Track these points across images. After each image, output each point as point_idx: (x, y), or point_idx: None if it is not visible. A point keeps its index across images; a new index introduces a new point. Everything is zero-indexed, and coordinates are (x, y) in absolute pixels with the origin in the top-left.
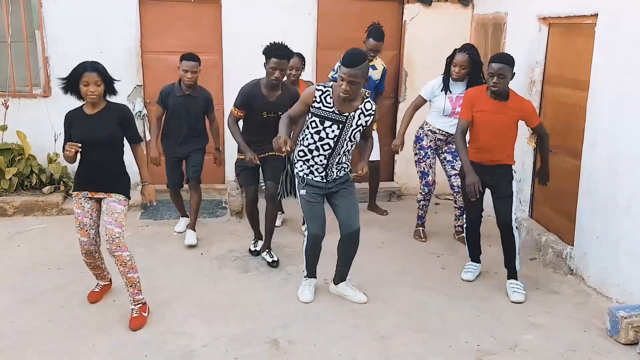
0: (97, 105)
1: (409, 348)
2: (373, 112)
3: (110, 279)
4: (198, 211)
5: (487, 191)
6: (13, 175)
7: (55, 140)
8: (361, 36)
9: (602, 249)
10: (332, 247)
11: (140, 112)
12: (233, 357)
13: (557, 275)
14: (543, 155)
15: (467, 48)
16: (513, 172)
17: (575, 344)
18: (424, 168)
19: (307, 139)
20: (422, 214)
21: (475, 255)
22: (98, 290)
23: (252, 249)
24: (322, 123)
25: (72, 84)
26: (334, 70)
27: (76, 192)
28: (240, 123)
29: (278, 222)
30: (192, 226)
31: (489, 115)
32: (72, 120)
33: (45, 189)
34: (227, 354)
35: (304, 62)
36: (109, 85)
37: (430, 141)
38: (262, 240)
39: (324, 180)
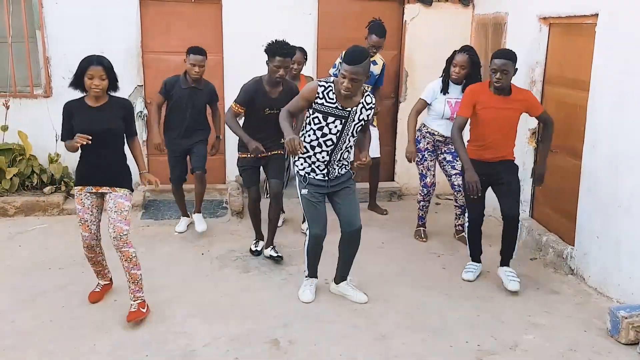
0: (100, 99)
1: (409, 348)
2: (373, 106)
3: (111, 279)
4: (203, 196)
5: (488, 191)
6: (14, 175)
7: (56, 140)
8: (361, 36)
9: (603, 249)
10: (333, 247)
11: (140, 112)
12: (233, 357)
13: (557, 275)
14: (544, 146)
15: (467, 49)
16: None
17: (576, 344)
18: (422, 170)
19: (309, 136)
20: (422, 214)
21: (476, 254)
22: (99, 290)
23: (254, 249)
24: (325, 119)
25: (79, 77)
26: (334, 67)
27: (79, 188)
28: (240, 122)
29: (279, 222)
30: (198, 210)
31: (494, 111)
32: (73, 111)
33: (46, 189)
34: (228, 354)
35: (306, 56)
36: (112, 80)
37: (428, 143)
38: (263, 240)
39: (326, 179)
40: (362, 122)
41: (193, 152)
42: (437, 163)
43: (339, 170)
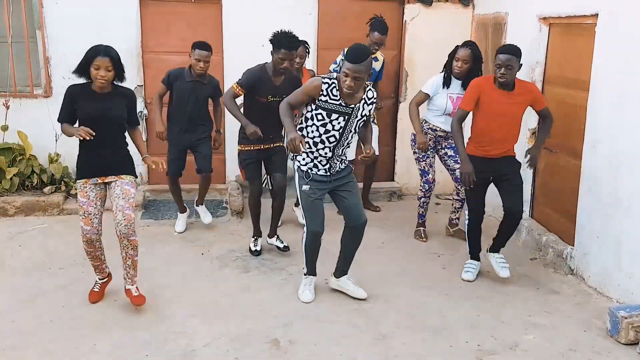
0: (104, 88)
1: (410, 348)
2: (375, 100)
3: (109, 273)
4: (207, 191)
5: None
6: (14, 175)
7: (56, 140)
8: (361, 36)
9: (603, 249)
10: (333, 247)
11: (141, 112)
12: (233, 357)
13: (557, 275)
14: (541, 136)
15: (469, 44)
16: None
17: (576, 343)
18: (423, 167)
19: (312, 132)
20: (422, 212)
21: (475, 252)
22: (98, 289)
23: (253, 248)
24: (329, 116)
25: (84, 65)
26: (335, 63)
27: (84, 180)
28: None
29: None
30: (201, 201)
31: (498, 106)
32: (77, 96)
33: (46, 189)
34: (228, 354)
35: (309, 50)
36: (119, 72)
37: (430, 139)
38: (261, 237)
39: (328, 174)
40: (365, 117)
41: (197, 152)
42: (436, 160)
43: (340, 164)
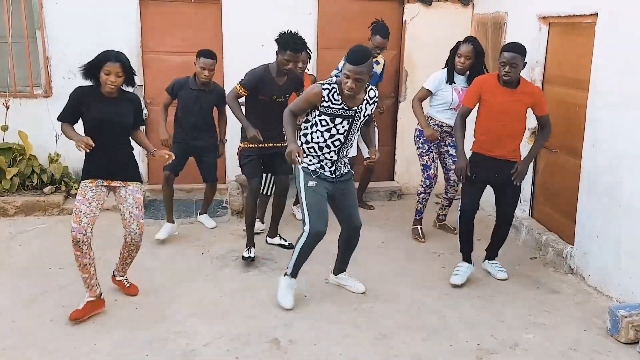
0: (113, 93)
1: (410, 347)
2: (377, 99)
3: (100, 295)
4: (212, 199)
5: (487, 192)
6: (14, 175)
7: (56, 140)
8: (361, 36)
9: (603, 248)
10: (334, 247)
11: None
12: (234, 357)
13: (557, 275)
14: (535, 146)
15: (471, 39)
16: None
17: (576, 343)
18: (426, 161)
19: (317, 137)
20: (421, 207)
21: (465, 251)
22: (81, 307)
23: (246, 255)
24: (332, 120)
25: (93, 69)
26: (337, 69)
27: (90, 180)
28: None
29: (261, 228)
30: (205, 211)
31: (500, 103)
32: (85, 99)
33: (47, 189)
34: (228, 354)
35: (310, 55)
36: (129, 77)
37: (439, 137)
38: (254, 247)
39: (333, 176)
40: (367, 117)
41: (203, 161)
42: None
43: (344, 167)
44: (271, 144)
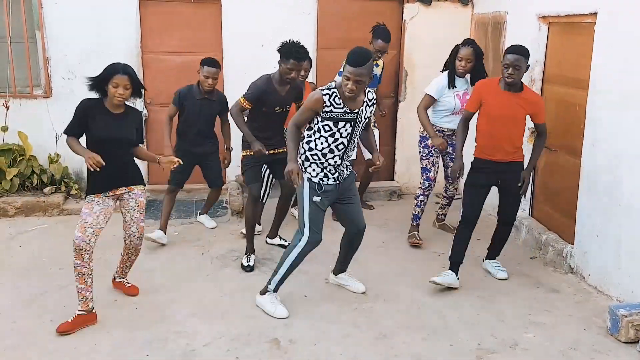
0: (119, 107)
1: (410, 347)
2: (375, 101)
3: (92, 310)
4: (216, 201)
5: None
6: (14, 175)
7: (56, 140)
8: (361, 36)
9: (603, 248)
10: (332, 247)
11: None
12: (234, 357)
13: (557, 274)
14: (534, 155)
15: (470, 42)
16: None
17: (576, 342)
18: (426, 165)
19: (321, 144)
20: (419, 212)
21: (456, 260)
22: (70, 320)
23: (246, 263)
24: (336, 125)
25: (101, 82)
26: (339, 74)
27: (95, 194)
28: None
29: (257, 229)
30: (206, 211)
31: (501, 108)
32: (92, 112)
33: (46, 190)
34: (228, 354)
35: (311, 63)
36: (136, 89)
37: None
38: (254, 254)
39: (337, 182)
40: (368, 119)
41: (208, 168)
42: (440, 161)
43: (346, 170)
44: (273, 151)
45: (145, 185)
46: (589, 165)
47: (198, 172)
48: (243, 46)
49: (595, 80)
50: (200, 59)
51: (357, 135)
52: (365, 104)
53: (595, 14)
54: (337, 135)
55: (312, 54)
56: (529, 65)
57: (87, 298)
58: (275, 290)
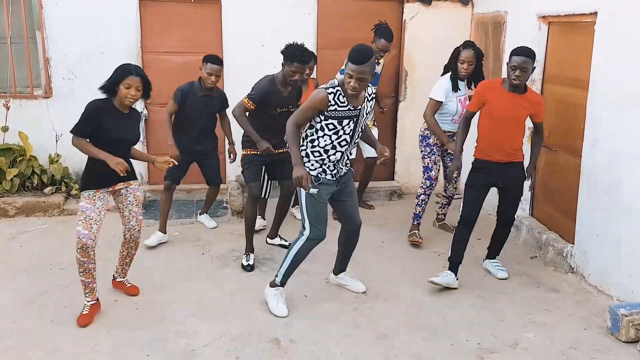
0: (126, 107)
1: (410, 347)
2: (374, 95)
3: (98, 299)
4: (215, 199)
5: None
6: (14, 176)
7: (56, 140)
8: (361, 36)
9: (603, 247)
10: (332, 247)
11: (141, 112)
12: (234, 357)
13: (557, 274)
14: (535, 151)
15: (470, 44)
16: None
17: (576, 342)
18: (428, 163)
19: (323, 141)
20: (419, 211)
21: (456, 261)
22: (87, 312)
23: (245, 263)
24: (340, 123)
25: (112, 83)
26: (341, 72)
27: (96, 189)
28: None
29: (257, 226)
30: (206, 211)
31: (503, 108)
32: (103, 114)
33: (47, 190)
34: (229, 353)
35: (316, 60)
36: (147, 90)
37: (437, 139)
38: (253, 253)
39: (335, 178)
40: (368, 114)
41: (207, 166)
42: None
43: (344, 168)
44: (272, 152)
45: (138, 180)
46: (589, 165)
47: (199, 172)
48: (243, 46)
49: (595, 80)
50: (200, 59)
51: (359, 131)
52: (365, 99)
53: (595, 13)
54: (341, 132)
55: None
56: (534, 67)
57: (95, 289)
58: (282, 284)
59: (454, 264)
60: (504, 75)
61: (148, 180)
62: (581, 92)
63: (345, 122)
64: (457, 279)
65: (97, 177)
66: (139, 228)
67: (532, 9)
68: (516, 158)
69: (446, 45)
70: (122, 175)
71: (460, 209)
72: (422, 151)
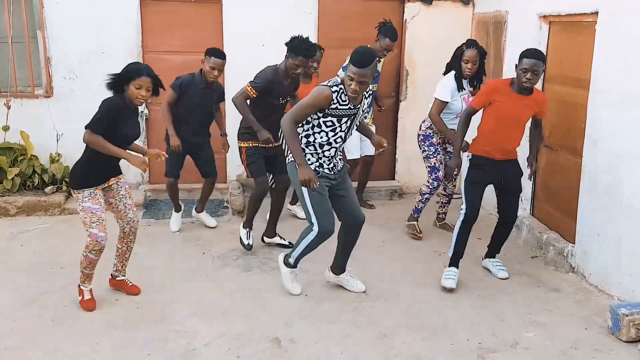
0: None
1: (410, 347)
2: (372, 92)
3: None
4: (210, 194)
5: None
6: (15, 175)
7: (57, 140)
8: (362, 35)
9: (603, 247)
10: (331, 244)
11: (142, 112)
12: (235, 356)
13: (558, 273)
14: (534, 145)
15: (473, 43)
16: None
17: (577, 341)
18: (434, 163)
19: (320, 137)
20: (421, 207)
21: (457, 258)
22: (90, 297)
23: (246, 242)
24: (339, 121)
25: (121, 81)
26: (343, 69)
27: (95, 187)
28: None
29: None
30: (202, 209)
31: (511, 110)
32: (120, 111)
33: (48, 189)
34: (229, 353)
35: (322, 54)
36: (156, 89)
37: (440, 138)
38: (253, 231)
39: (332, 172)
40: (364, 112)
41: (201, 158)
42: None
43: (340, 162)
44: (271, 145)
45: (123, 174)
46: (590, 165)
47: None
48: (243, 46)
49: (596, 79)
50: (200, 58)
51: (354, 127)
52: (363, 96)
53: (596, 13)
54: (338, 130)
55: None
56: (544, 69)
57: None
58: (295, 265)
59: (457, 260)
60: (504, 75)
61: (149, 179)
62: (582, 92)
63: (343, 119)
64: (458, 269)
65: (96, 175)
66: (137, 219)
67: (533, 8)
68: (513, 156)
69: (447, 44)
70: (144, 171)
71: (463, 206)
72: (425, 151)
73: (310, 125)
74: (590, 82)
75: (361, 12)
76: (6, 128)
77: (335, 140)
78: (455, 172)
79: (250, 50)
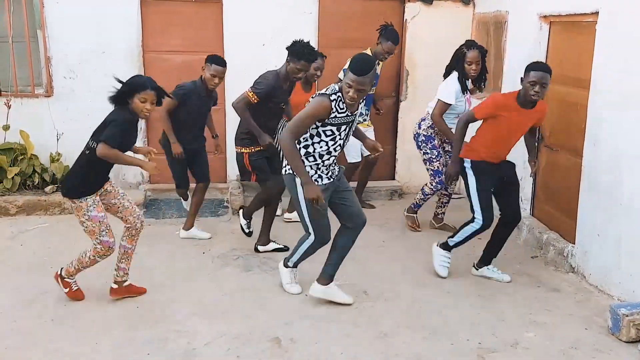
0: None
1: (410, 347)
2: (368, 94)
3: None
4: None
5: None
6: (15, 174)
7: (57, 139)
8: (362, 36)
9: (603, 247)
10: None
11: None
12: (235, 356)
13: (558, 273)
14: (532, 143)
15: (473, 44)
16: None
17: (577, 341)
18: (437, 167)
19: (320, 147)
20: (422, 204)
21: (456, 247)
22: (77, 287)
23: (247, 230)
24: (338, 130)
25: (126, 94)
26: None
27: (95, 194)
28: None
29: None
30: (191, 224)
31: (516, 124)
32: (132, 125)
33: (48, 189)
34: (229, 353)
35: (324, 60)
36: (159, 100)
37: (441, 139)
38: (251, 219)
39: (330, 180)
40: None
41: (198, 164)
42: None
43: (337, 167)
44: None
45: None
46: (590, 165)
47: None
48: (244, 46)
49: (596, 79)
50: (201, 58)
51: (351, 134)
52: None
53: (597, 13)
54: (337, 137)
55: None
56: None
57: None
58: (295, 266)
59: (452, 248)
60: (504, 74)
61: (149, 179)
62: (582, 92)
63: (342, 127)
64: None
65: (96, 182)
66: (142, 219)
67: (533, 8)
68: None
69: (447, 45)
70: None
71: (477, 216)
72: (426, 153)
73: (309, 135)
74: (591, 82)
75: (361, 12)
76: (6, 127)
77: (334, 148)
78: (453, 179)
79: (251, 50)
